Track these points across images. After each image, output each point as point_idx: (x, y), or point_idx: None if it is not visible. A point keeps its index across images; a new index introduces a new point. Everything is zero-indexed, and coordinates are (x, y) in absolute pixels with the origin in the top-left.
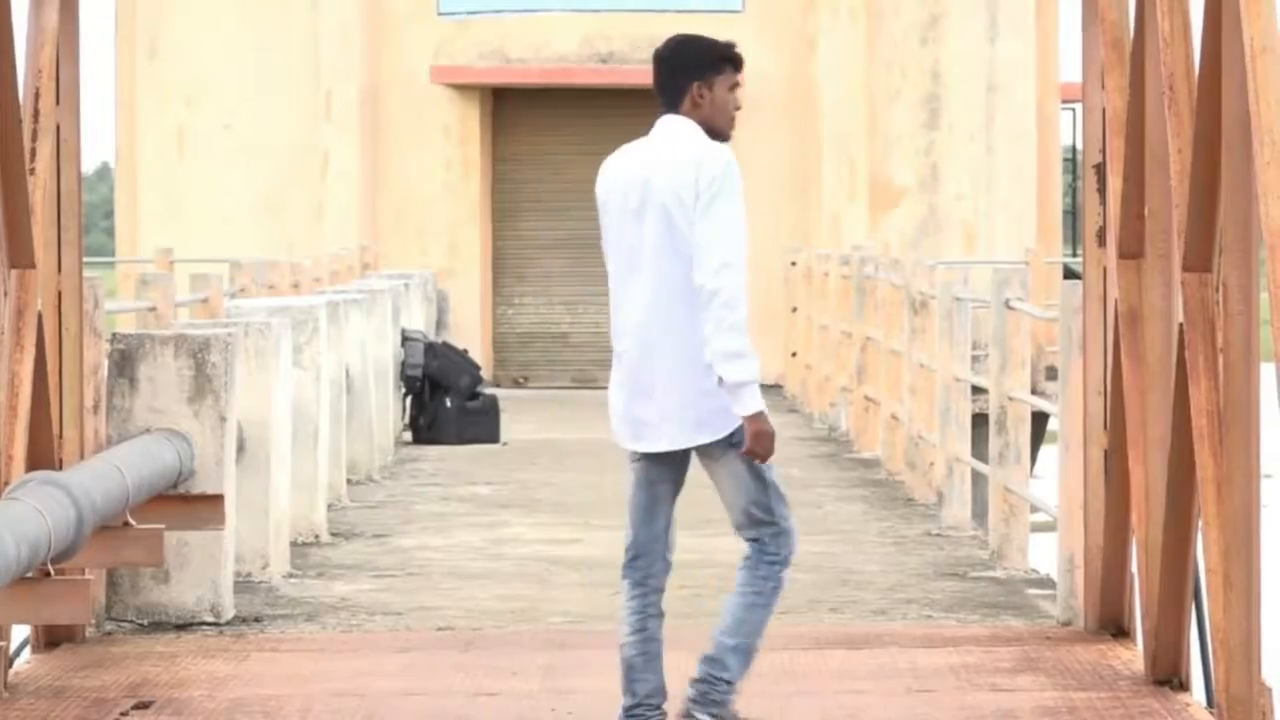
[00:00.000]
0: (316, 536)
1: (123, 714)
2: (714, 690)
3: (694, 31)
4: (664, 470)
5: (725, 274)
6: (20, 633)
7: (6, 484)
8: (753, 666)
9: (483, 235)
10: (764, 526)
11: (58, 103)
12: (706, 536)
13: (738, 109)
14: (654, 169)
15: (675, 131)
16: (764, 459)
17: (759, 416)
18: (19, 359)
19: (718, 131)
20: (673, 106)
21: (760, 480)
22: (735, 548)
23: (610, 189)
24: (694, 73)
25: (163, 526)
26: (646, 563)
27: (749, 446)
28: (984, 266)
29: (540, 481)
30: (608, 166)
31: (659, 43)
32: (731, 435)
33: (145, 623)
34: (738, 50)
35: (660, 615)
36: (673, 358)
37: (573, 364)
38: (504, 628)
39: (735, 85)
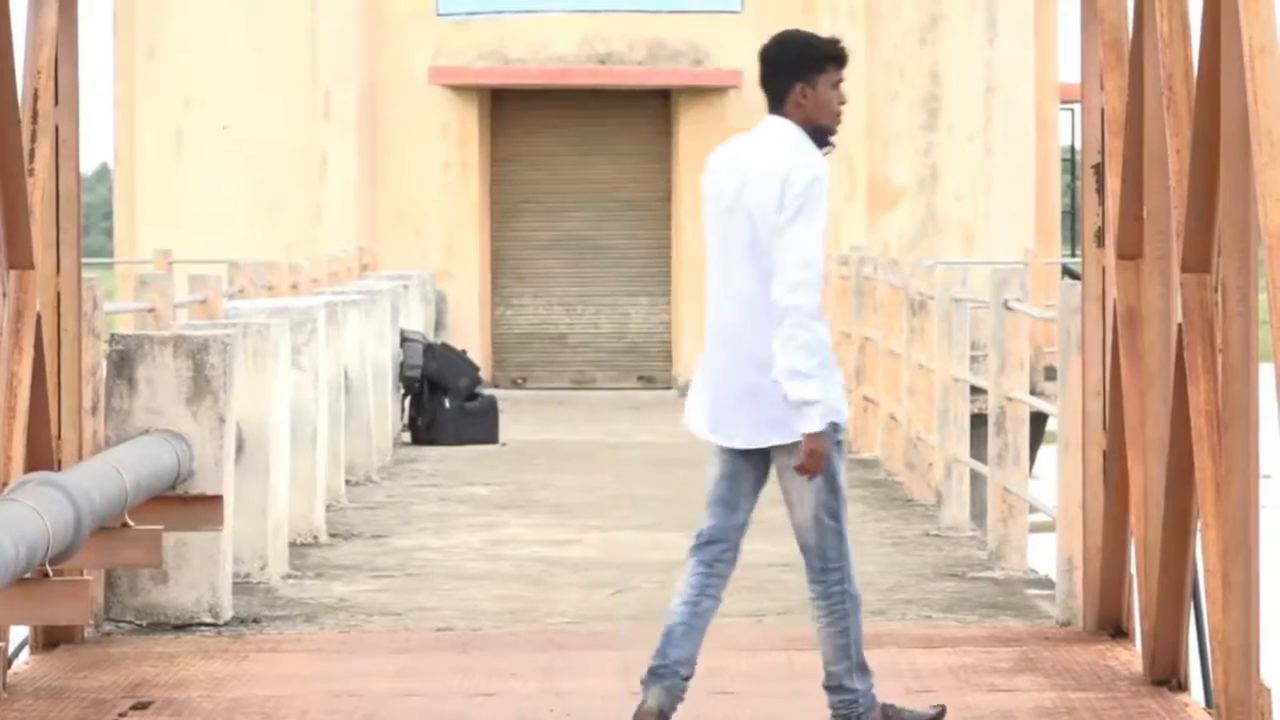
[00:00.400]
0: (315, 537)
1: (121, 715)
2: (853, 709)
3: (797, 28)
4: (747, 465)
5: (800, 294)
6: (19, 633)
7: (5, 485)
8: (870, 662)
9: (481, 236)
10: (828, 534)
11: (56, 103)
12: None
13: (843, 104)
14: (748, 172)
15: (774, 135)
16: (810, 476)
17: (817, 436)
18: (18, 360)
19: (822, 129)
20: (776, 106)
21: (833, 486)
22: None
23: (710, 182)
24: (796, 73)
25: (161, 527)
26: (718, 550)
27: (800, 463)
28: (983, 267)
29: (539, 482)
30: (713, 158)
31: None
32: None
33: (144, 623)
34: (842, 46)
35: (716, 600)
36: (752, 358)
37: (571, 364)
38: (502, 628)
39: (839, 82)
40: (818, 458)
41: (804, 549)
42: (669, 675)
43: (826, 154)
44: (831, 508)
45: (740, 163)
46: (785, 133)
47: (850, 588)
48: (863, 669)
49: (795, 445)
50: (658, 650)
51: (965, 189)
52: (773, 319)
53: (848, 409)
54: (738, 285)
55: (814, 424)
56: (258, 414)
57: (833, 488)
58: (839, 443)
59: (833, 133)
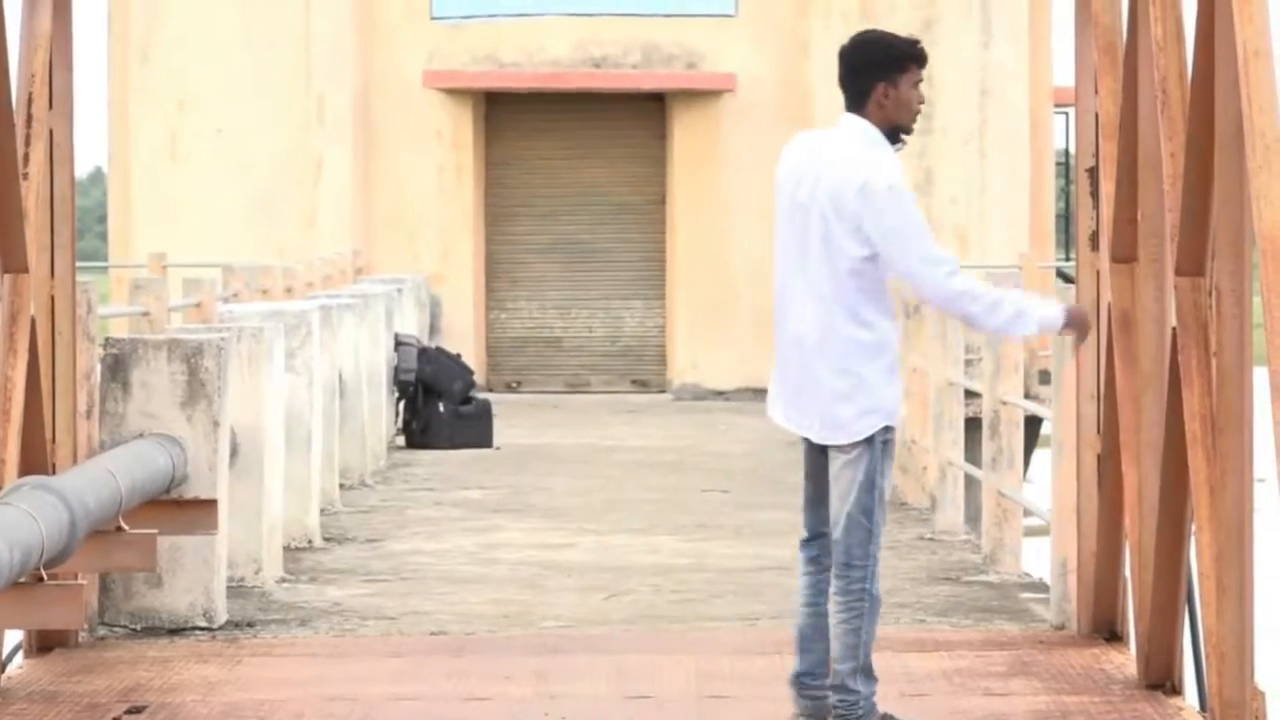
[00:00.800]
0: (309, 541)
1: (115, 719)
2: (852, 711)
3: (876, 28)
4: (825, 459)
5: (950, 283)
6: (13, 637)
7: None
8: (878, 669)
9: (475, 240)
10: (856, 531)
11: (51, 107)
12: (698, 541)
13: (921, 104)
14: (826, 172)
15: (853, 137)
16: (1084, 336)
17: (1070, 322)
18: (12, 364)
19: (900, 127)
20: (856, 106)
21: (870, 489)
22: (728, 553)
23: (787, 175)
24: (879, 73)
25: (155, 531)
26: (819, 545)
27: (1078, 341)
28: (977, 270)
29: (533, 486)
30: (790, 150)
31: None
32: (860, 442)
33: (138, 627)
34: (921, 46)
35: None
36: (819, 356)
37: (565, 368)
38: (496, 632)
39: (919, 82)
40: (1083, 326)
41: (834, 542)
42: (808, 684)
43: (898, 149)
44: (866, 506)
45: (819, 161)
46: (862, 132)
47: (871, 588)
48: (868, 673)
49: (849, 445)
50: (797, 656)
51: (960, 192)
52: (943, 308)
53: (902, 409)
54: (810, 280)
55: (1059, 322)
56: (252, 418)
57: (870, 487)
58: (886, 443)
59: (909, 131)
